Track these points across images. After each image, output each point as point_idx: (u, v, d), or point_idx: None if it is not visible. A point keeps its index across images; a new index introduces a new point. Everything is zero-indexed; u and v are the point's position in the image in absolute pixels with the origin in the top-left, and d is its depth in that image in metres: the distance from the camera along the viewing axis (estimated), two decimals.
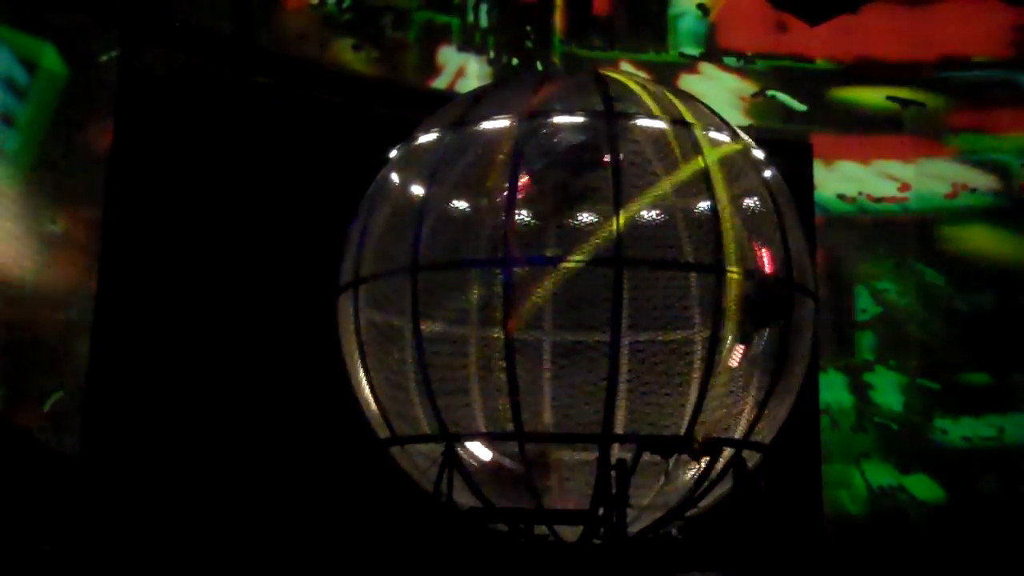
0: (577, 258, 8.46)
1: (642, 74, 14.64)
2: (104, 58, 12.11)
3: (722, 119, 9.51)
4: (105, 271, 11.61)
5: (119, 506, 10.43)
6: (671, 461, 8.47)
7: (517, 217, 8.59)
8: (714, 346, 8.39)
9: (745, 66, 15.71)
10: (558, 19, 15.59)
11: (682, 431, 8.48)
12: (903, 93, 15.55)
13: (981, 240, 15.09)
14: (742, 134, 9.46)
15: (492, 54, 15.28)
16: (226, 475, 11.28)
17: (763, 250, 8.70)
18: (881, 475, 14.51)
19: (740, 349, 8.52)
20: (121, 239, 11.68)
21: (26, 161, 11.61)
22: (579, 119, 8.86)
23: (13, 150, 11.56)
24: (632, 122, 8.83)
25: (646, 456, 8.35)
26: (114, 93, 11.97)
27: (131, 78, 11.98)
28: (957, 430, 14.51)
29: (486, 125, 8.96)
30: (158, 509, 10.59)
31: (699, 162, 8.71)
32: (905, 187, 15.32)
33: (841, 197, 15.41)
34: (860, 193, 15.41)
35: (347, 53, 14.27)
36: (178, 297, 11.76)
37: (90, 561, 8.89)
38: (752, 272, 8.58)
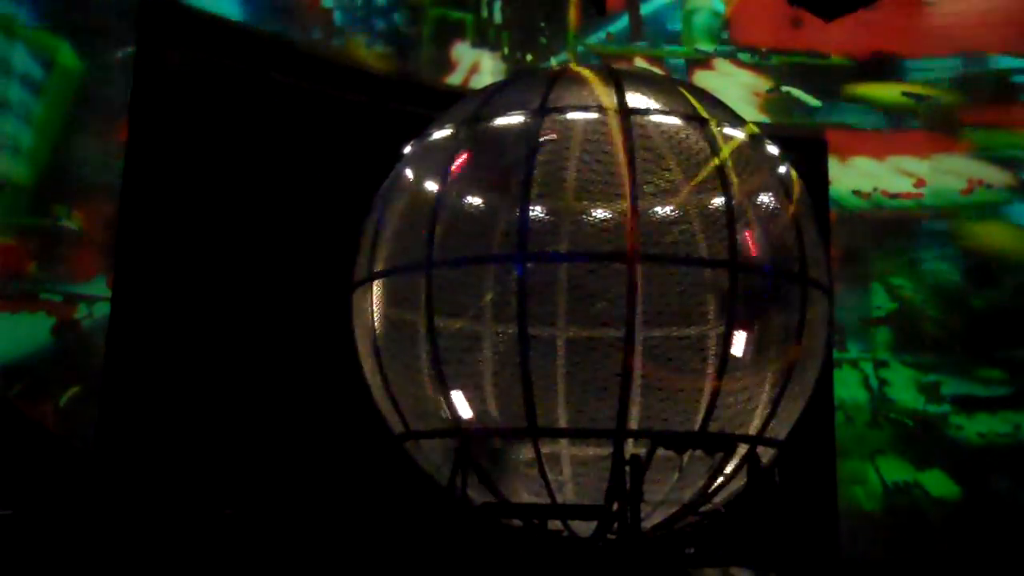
0: None
1: (656, 70, 14.64)
2: (120, 55, 12.15)
3: (736, 115, 9.49)
4: (121, 267, 11.65)
5: (134, 501, 10.47)
6: (685, 457, 8.47)
7: (531, 212, 8.59)
8: (728, 342, 8.39)
9: (760, 62, 15.69)
10: (572, 15, 15.59)
11: (696, 427, 8.48)
12: (918, 88, 15.51)
13: (997, 236, 15.05)
14: (757, 130, 9.45)
15: (506, 50, 15.30)
16: (241, 470, 11.31)
17: None
18: (896, 471, 14.49)
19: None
20: (137, 235, 11.71)
21: (42, 158, 11.66)
22: (593, 115, 8.85)
23: (29, 146, 11.62)
24: (646, 118, 8.82)
25: (660, 452, 8.35)
26: (130, 90, 12.00)
27: (147, 75, 12.00)
28: (973, 426, 14.48)
29: (500, 121, 8.96)
30: (173, 504, 10.62)
31: (713, 158, 8.70)
32: (920, 183, 15.29)
33: (856, 193, 15.38)
34: (875, 189, 15.38)
35: (361, 49, 14.30)
36: (194, 293, 11.78)
37: (106, 556, 8.92)
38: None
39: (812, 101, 15.64)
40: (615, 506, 8.23)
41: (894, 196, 15.32)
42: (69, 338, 11.53)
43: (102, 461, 10.90)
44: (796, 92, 15.65)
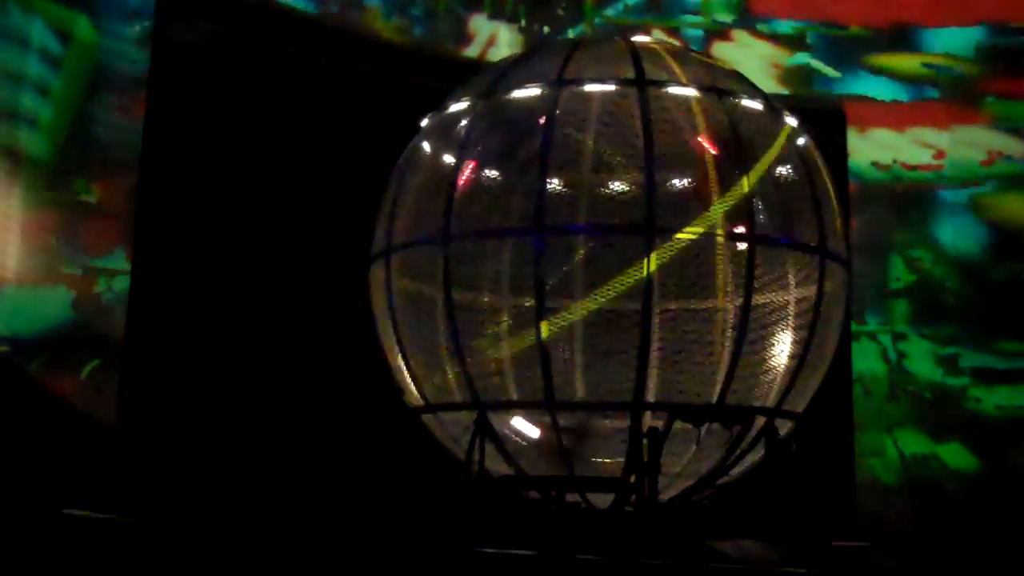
0: None
1: (674, 42, 14.57)
2: (137, 28, 12.16)
3: (755, 86, 9.45)
4: (140, 241, 11.70)
5: (154, 473, 10.54)
6: (703, 429, 8.48)
7: (549, 185, 8.58)
8: (746, 314, 8.39)
9: (778, 33, 15.59)
10: None
11: (714, 399, 8.49)
12: (938, 59, 15.40)
13: (1017, 208, 14.95)
14: (775, 102, 9.40)
15: (523, 22, 15.23)
16: (259, 443, 11.37)
17: None
18: (914, 444, 14.46)
19: None
20: (156, 209, 11.76)
21: (61, 131, 11.69)
22: (611, 87, 8.83)
23: (47, 120, 11.64)
24: (664, 90, 8.79)
25: (678, 424, 8.36)
26: (147, 63, 12.02)
27: (164, 48, 12.02)
28: (991, 399, 14.43)
29: (518, 94, 8.95)
30: (192, 477, 10.69)
31: (730, 130, 8.66)
32: (940, 155, 15.18)
33: (875, 165, 15.30)
34: (894, 161, 15.29)
35: (378, 21, 14.27)
36: (212, 265, 11.84)
37: (126, 528, 8.99)
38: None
39: (831, 72, 15.54)
40: (632, 478, 8.25)
41: (913, 168, 15.22)
42: (89, 311, 11.58)
43: (123, 434, 10.98)
44: (815, 63, 15.55)
